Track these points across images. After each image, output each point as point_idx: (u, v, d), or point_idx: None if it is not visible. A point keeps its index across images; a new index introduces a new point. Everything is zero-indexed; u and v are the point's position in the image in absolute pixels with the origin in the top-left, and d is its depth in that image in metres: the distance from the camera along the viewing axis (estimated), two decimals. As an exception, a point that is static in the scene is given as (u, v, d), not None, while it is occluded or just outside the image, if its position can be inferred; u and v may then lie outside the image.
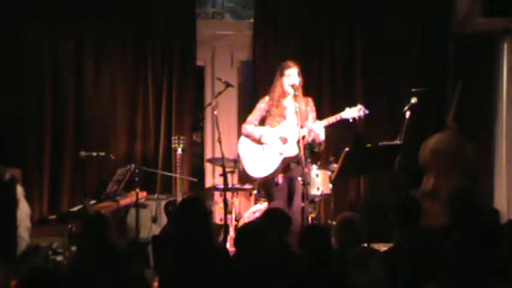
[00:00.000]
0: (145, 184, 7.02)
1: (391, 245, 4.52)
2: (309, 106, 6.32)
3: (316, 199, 6.84)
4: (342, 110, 6.20)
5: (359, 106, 6.19)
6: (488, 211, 4.51)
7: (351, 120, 6.17)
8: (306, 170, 6.03)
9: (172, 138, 6.87)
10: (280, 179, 6.22)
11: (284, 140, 6.19)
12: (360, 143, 5.99)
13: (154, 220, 6.82)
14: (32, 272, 3.23)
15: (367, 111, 6.18)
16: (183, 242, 4.07)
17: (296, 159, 6.11)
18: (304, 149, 5.99)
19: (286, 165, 6.20)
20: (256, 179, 6.61)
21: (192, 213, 4.16)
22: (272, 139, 6.20)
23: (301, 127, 6.04)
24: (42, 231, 6.56)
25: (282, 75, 6.23)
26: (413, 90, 6.69)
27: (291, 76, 6.19)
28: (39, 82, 7.33)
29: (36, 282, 3.17)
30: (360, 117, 6.17)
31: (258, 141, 6.24)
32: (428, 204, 4.85)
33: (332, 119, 6.17)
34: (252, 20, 7.86)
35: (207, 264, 3.97)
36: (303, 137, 6.03)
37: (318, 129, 6.12)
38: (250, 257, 3.92)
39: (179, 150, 6.73)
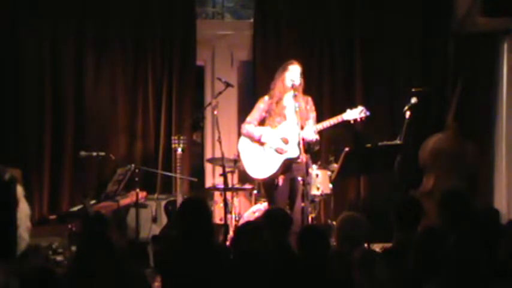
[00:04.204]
0: (145, 184, 7.02)
1: (391, 245, 4.52)
2: (308, 105, 6.32)
3: (316, 199, 6.84)
4: (343, 111, 6.21)
5: (360, 108, 6.19)
6: (488, 211, 4.50)
7: (351, 122, 6.17)
8: (309, 170, 6.05)
9: (172, 138, 6.88)
10: (280, 181, 6.21)
11: (285, 141, 6.19)
12: (360, 143, 5.99)
13: (154, 220, 6.82)
14: (32, 272, 3.23)
15: (368, 113, 6.18)
16: (185, 241, 4.08)
17: (297, 160, 6.11)
18: (305, 149, 5.99)
19: (287, 166, 6.20)
20: (257, 180, 6.62)
21: (194, 214, 4.17)
22: (272, 138, 6.20)
23: (302, 127, 6.04)
24: (42, 231, 6.56)
25: (285, 70, 6.24)
26: (413, 90, 6.70)
27: (294, 72, 6.21)
28: (39, 82, 7.33)
29: (36, 282, 3.17)
30: (361, 118, 6.17)
31: (258, 141, 6.23)
32: (428, 204, 4.83)
33: (333, 120, 6.17)
34: (252, 20, 7.86)
35: (208, 264, 3.97)
36: (303, 138, 6.03)
37: (309, 135, 6.11)
38: (248, 257, 3.92)
39: (179, 150, 6.73)
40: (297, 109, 6.05)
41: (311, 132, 6.11)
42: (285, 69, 6.24)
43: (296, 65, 6.24)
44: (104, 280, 3.65)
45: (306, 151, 6.03)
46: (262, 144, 6.23)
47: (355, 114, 6.16)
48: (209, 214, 4.35)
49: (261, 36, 7.72)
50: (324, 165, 6.96)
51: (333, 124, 6.18)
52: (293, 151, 6.15)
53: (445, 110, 7.59)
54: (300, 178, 6.14)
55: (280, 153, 6.17)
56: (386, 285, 3.52)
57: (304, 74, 6.36)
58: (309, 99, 6.36)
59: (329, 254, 4.12)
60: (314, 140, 6.15)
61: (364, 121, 6.30)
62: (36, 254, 6.02)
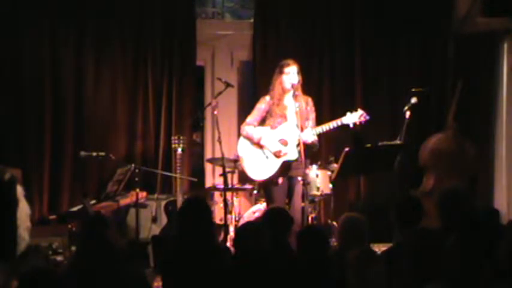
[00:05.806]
0: (145, 184, 7.02)
1: (391, 245, 4.52)
2: (309, 106, 6.31)
3: (316, 199, 6.84)
4: (343, 112, 6.20)
5: (360, 112, 6.16)
6: (488, 211, 4.50)
7: (351, 126, 6.13)
8: (306, 170, 6.03)
9: (172, 138, 6.88)
10: (280, 179, 6.21)
11: (284, 143, 6.18)
12: (359, 143, 5.99)
13: (154, 220, 6.82)
14: (32, 272, 3.23)
15: (368, 117, 6.15)
16: (186, 241, 4.08)
17: (297, 162, 6.11)
18: (305, 151, 5.97)
19: (286, 167, 6.18)
20: (256, 181, 6.62)
21: (195, 213, 4.18)
22: (271, 141, 6.18)
23: (302, 129, 6.03)
24: (42, 231, 6.56)
25: (281, 72, 6.22)
26: (413, 90, 6.70)
27: (291, 74, 6.18)
28: (39, 82, 7.33)
29: (36, 282, 3.17)
30: (360, 122, 6.15)
31: (257, 144, 6.22)
32: (428, 204, 4.83)
33: (333, 124, 6.12)
34: (252, 20, 7.86)
35: (209, 263, 3.98)
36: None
37: (308, 138, 6.09)
38: (249, 257, 3.92)
39: (179, 150, 6.73)
40: (297, 109, 6.04)
41: (309, 134, 6.10)
42: (281, 71, 6.20)
43: (292, 65, 6.19)
44: (104, 280, 3.65)
45: (305, 153, 6.02)
46: (261, 147, 6.22)
47: (354, 117, 6.13)
48: (209, 214, 4.35)
49: (261, 36, 7.72)
50: (324, 165, 6.96)
51: (332, 128, 6.14)
52: (292, 153, 6.14)
53: (445, 110, 7.60)
54: (300, 178, 6.14)
55: (279, 156, 6.16)
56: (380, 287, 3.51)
57: (304, 74, 6.35)
58: (309, 99, 6.34)
59: (329, 254, 4.12)
60: (310, 142, 6.12)
61: (364, 124, 6.28)
62: (36, 254, 6.02)
